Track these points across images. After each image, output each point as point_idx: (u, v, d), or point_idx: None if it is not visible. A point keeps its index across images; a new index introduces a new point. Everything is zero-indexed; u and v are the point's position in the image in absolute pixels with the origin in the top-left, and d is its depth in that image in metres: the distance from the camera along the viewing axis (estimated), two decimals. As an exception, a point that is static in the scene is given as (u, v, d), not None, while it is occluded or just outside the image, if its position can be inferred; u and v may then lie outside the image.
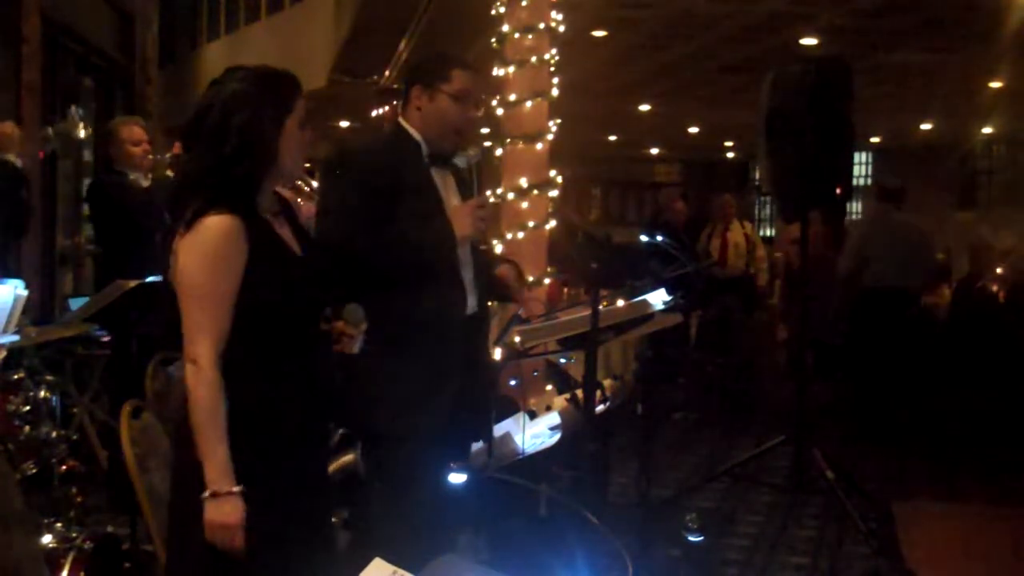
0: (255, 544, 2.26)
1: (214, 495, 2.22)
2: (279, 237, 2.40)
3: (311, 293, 2.42)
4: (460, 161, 3.21)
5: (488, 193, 5.19)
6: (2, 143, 4.59)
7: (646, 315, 3.25)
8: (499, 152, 5.66)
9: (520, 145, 5.62)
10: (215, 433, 2.24)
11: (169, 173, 5.19)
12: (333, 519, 2.67)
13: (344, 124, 15.47)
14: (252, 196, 2.34)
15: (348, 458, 3.16)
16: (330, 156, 3.16)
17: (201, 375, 2.25)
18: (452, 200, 3.17)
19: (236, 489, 2.23)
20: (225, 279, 2.26)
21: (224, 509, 2.23)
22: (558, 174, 5.75)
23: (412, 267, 3.01)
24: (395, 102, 3.26)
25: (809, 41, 9.98)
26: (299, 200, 3.27)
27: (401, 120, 3.19)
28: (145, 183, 5.17)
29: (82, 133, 5.15)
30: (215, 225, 2.25)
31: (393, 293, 2.99)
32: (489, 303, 3.43)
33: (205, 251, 2.25)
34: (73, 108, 5.18)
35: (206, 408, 2.24)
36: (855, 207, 21.43)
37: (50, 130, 4.96)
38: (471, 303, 3.16)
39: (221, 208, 2.26)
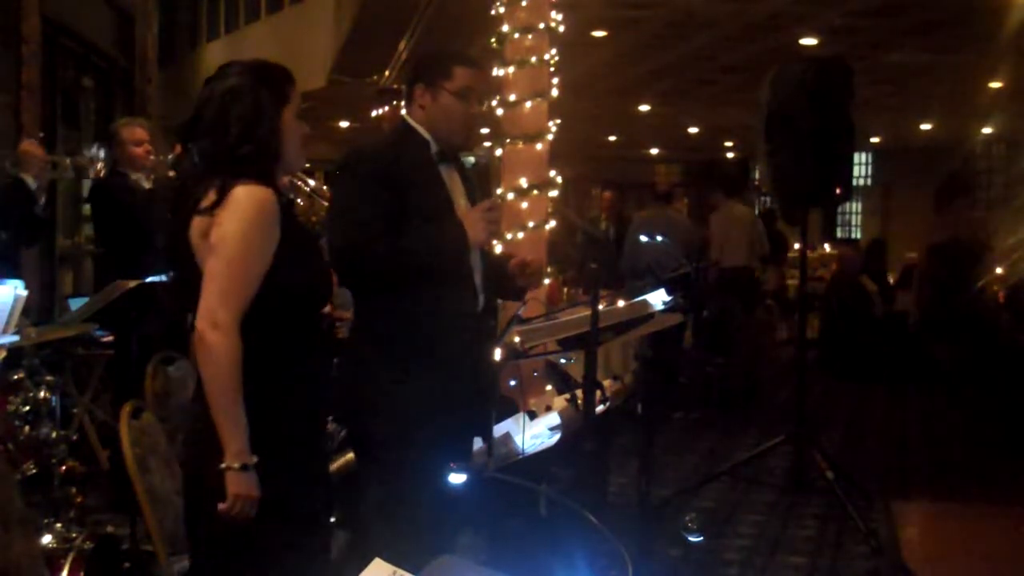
0: (269, 520, 2.27)
1: (243, 467, 2.21)
2: (299, 221, 2.42)
3: (323, 280, 2.43)
4: (467, 162, 3.20)
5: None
6: (22, 161, 4.63)
7: (646, 315, 3.25)
8: (499, 152, 5.66)
9: (520, 145, 5.62)
10: (237, 402, 2.22)
11: (171, 174, 5.18)
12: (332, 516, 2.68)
13: (344, 124, 15.46)
14: (269, 177, 2.34)
15: (348, 457, 3.16)
16: (340, 159, 3.13)
17: (225, 339, 2.21)
18: (459, 199, 3.17)
19: (256, 460, 2.23)
20: (262, 248, 2.27)
21: (249, 481, 2.22)
22: (558, 174, 5.75)
23: (428, 272, 3.00)
24: (395, 102, 3.25)
25: (809, 41, 9.98)
26: (298, 200, 3.27)
27: (407, 117, 3.18)
28: (147, 184, 5.17)
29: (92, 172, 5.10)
30: (255, 194, 2.26)
31: (406, 297, 2.98)
32: (499, 301, 3.43)
33: (247, 217, 2.25)
34: (96, 150, 5.14)
35: (228, 374, 2.21)
36: (855, 207, 21.50)
37: (68, 161, 4.92)
38: (480, 305, 3.17)
39: (252, 180, 2.27)
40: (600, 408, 3.46)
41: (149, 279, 4.40)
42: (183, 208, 2.32)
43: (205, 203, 2.27)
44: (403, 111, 3.24)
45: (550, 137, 5.69)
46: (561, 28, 5.70)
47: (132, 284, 4.25)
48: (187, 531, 2.46)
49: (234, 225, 2.24)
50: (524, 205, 5.60)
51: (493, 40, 5.71)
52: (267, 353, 2.30)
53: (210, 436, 2.24)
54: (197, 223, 2.29)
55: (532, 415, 3.58)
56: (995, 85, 11.89)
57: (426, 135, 3.12)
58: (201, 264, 2.28)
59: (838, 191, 5.49)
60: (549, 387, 5.38)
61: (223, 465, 2.21)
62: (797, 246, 6.66)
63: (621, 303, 3.32)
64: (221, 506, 2.22)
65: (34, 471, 3.60)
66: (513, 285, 3.25)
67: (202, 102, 2.35)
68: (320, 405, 2.45)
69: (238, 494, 2.21)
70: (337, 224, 3.03)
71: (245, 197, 2.25)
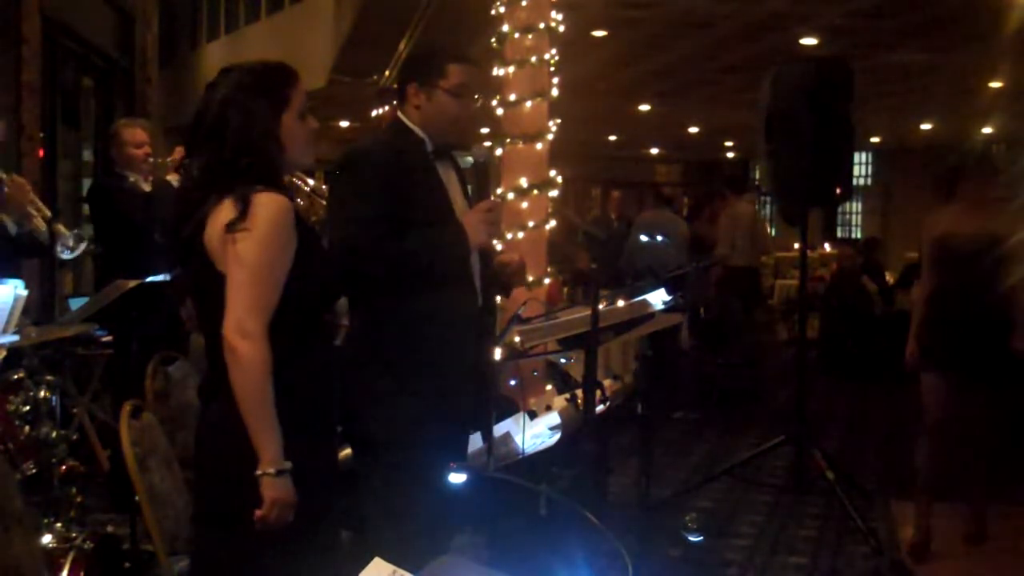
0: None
1: (279, 473, 2.22)
2: (311, 225, 2.43)
3: (332, 282, 2.44)
4: (466, 161, 3.19)
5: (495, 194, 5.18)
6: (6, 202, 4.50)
7: (646, 315, 3.25)
8: (499, 152, 5.67)
9: (520, 145, 5.63)
10: (270, 409, 2.22)
11: (170, 177, 5.17)
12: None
13: (344, 124, 15.46)
14: (275, 184, 2.35)
15: (346, 452, 3.15)
16: (336, 161, 3.12)
17: (256, 348, 2.21)
18: (456, 197, 3.16)
19: (289, 465, 2.24)
20: (284, 255, 2.28)
21: (285, 486, 2.23)
22: (558, 174, 5.75)
23: (430, 274, 3.00)
24: (395, 102, 3.22)
25: (809, 41, 9.99)
26: (299, 200, 3.26)
27: (401, 116, 3.16)
28: (146, 187, 5.15)
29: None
30: (275, 202, 2.27)
31: (406, 298, 2.98)
32: (496, 299, 3.42)
33: (269, 226, 2.25)
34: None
35: (261, 382, 2.22)
36: (855, 206, 21.50)
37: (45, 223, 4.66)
38: (478, 304, 3.17)
39: (270, 188, 2.28)
40: (600, 408, 3.46)
41: (149, 279, 4.40)
42: (190, 212, 2.31)
43: (228, 215, 2.25)
44: (397, 111, 3.23)
45: (550, 137, 5.69)
46: (561, 28, 5.71)
47: (132, 284, 4.24)
48: (194, 530, 2.46)
49: (258, 234, 2.24)
50: (524, 205, 5.60)
51: (493, 40, 5.71)
52: (281, 356, 2.29)
53: (234, 440, 2.23)
54: (216, 230, 2.27)
55: (532, 415, 3.58)
56: (995, 85, 11.89)
57: (421, 134, 3.10)
58: (222, 270, 2.27)
59: (838, 191, 5.50)
60: (549, 387, 5.39)
61: (259, 472, 2.21)
62: (797, 246, 6.64)
63: (621, 303, 3.33)
64: (258, 512, 2.22)
65: (34, 471, 3.60)
66: (497, 281, 3.25)
67: (201, 112, 2.36)
68: (329, 406, 2.45)
69: (275, 499, 2.22)
70: (339, 225, 3.02)
71: (266, 206, 2.26)
